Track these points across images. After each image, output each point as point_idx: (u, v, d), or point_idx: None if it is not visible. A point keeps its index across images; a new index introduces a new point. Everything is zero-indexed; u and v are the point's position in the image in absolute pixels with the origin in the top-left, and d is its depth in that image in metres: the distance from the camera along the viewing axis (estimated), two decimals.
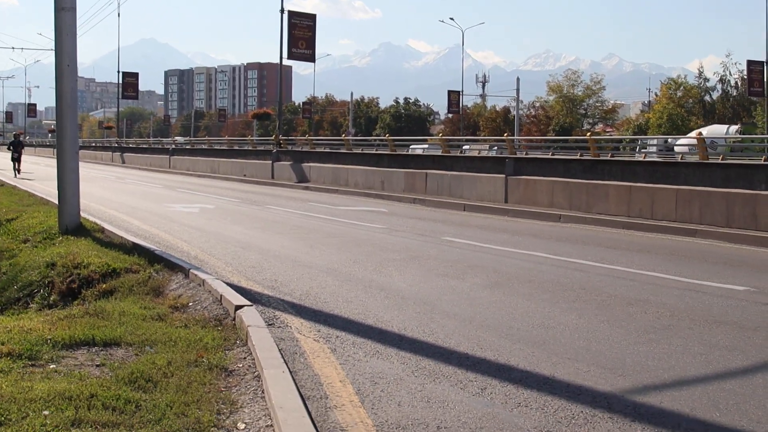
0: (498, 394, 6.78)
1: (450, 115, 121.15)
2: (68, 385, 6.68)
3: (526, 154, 31.55)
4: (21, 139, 50.92)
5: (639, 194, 21.87)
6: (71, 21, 17.44)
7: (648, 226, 20.43)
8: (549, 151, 36.27)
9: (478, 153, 39.68)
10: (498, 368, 7.56)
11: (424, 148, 50.60)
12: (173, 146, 65.04)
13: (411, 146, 47.12)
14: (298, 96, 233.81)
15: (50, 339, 8.35)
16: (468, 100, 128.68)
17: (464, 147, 43.84)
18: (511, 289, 11.57)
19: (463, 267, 13.44)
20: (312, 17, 49.70)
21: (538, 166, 26.13)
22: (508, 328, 9.14)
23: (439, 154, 32.71)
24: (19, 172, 45.17)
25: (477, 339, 8.61)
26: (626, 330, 9.12)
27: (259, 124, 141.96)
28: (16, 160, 46.37)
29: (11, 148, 48.18)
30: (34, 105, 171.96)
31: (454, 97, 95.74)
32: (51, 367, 7.49)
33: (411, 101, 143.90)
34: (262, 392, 6.76)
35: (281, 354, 7.64)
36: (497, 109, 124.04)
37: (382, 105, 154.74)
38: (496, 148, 44.09)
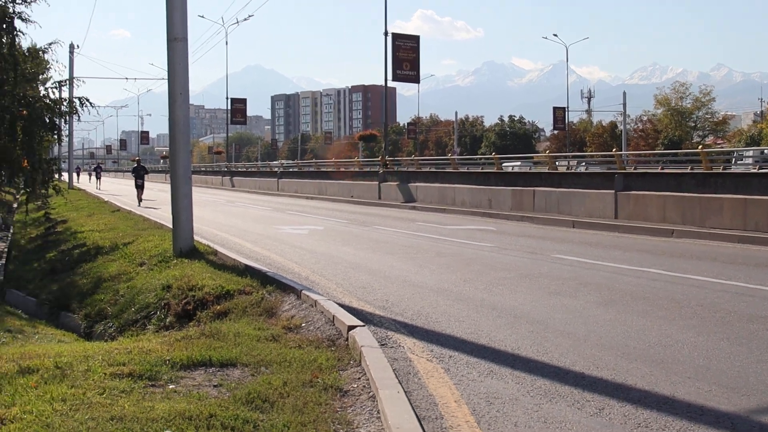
0: (617, 415, 6.62)
1: (555, 132, 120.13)
2: (188, 405, 6.77)
3: (635, 168, 31.05)
4: (143, 164, 48.38)
5: (755, 207, 21.26)
6: (183, 51, 17.83)
7: (765, 239, 19.84)
8: (658, 165, 35.62)
9: (566, 168, 39.20)
10: (615, 388, 7.39)
11: (513, 166, 50.33)
12: (281, 169, 65.90)
13: (503, 163, 46.74)
14: (403, 117, 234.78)
15: (169, 360, 8.48)
16: (573, 116, 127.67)
17: (511, 164, 43.37)
18: (626, 306, 11.34)
19: (575, 285, 13.23)
20: (415, 39, 49.97)
21: (648, 180, 25.64)
22: (624, 346, 8.94)
23: (546, 171, 32.42)
24: (141, 201, 42.78)
25: (593, 358, 8.44)
26: (748, 348, 8.83)
27: (365, 145, 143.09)
28: (140, 187, 44.23)
29: (134, 174, 45.59)
30: (147, 132, 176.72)
31: (559, 113, 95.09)
32: (170, 387, 7.60)
33: (515, 119, 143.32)
34: (378, 413, 6.74)
35: (395, 374, 7.61)
36: (603, 124, 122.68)
37: (487, 124, 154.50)
38: (584, 164, 43.65)
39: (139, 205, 40.52)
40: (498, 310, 11.11)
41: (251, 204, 42.05)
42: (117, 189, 67.25)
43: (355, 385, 7.57)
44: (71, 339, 14.45)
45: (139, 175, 44.75)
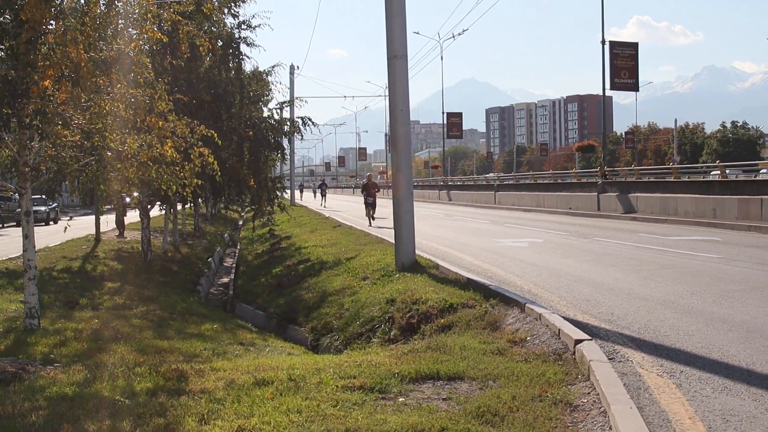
0: None
1: None
2: (419, 418, 6.90)
3: None
4: (374, 180, 43.69)
5: None
6: (403, 68, 18.17)
7: None
8: None
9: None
10: None
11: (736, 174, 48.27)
12: (497, 182, 65.87)
13: (712, 173, 44.85)
14: (619, 126, 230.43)
15: (397, 373, 8.66)
16: None
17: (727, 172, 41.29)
18: None
19: None
20: (634, 46, 48.93)
21: None
22: None
23: None
24: (372, 219, 38.61)
25: None
26: None
27: (581, 156, 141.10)
28: (371, 205, 39.18)
29: (364, 191, 40.17)
30: (364, 149, 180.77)
31: None
32: (400, 400, 7.76)
33: (738, 124, 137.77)
34: (610, 428, 6.66)
35: (626, 389, 7.48)
36: None
37: (708, 130, 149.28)
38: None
39: (371, 225, 36.80)
40: (729, 324, 10.73)
41: (468, 217, 42.24)
42: (340, 205, 69.04)
43: (585, 400, 7.50)
44: (300, 351, 14.93)
45: (370, 192, 39.34)
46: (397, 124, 18.13)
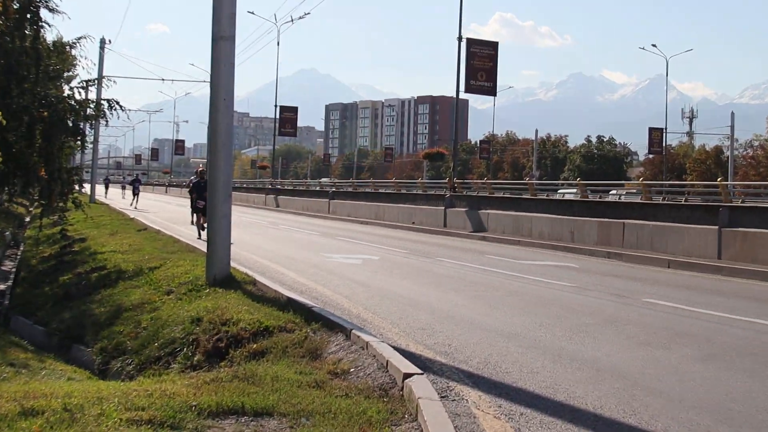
0: None
1: (651, 156, 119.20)
2: None
3: (743, 202, 30.62)
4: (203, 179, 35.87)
5: None
6: (229, 51, 17.94)
7: None
8: None
9: (662, 198, 38.77)
10: None
11: (565, 193, 49.89)
12: (333, 189, 66.10)
13: (559, 191, 46.14)
14: (475, 133, 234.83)
15: (195, 405, 8.46)
16: (672, 139, 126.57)
17: (566, 191, 42.97)
18: (729, 363, 11.10)
19: (669, 335, 13.01)
20: (493, 45, 49.88)
21: (758, 215, 25.20)
22: (727, 410, 8.74)
23: (639, 201, 32.11)
24: (203, 230, 30.13)
25: (689, 422, 8.26)
26: None
27: (430, 165, 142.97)
28: (203, 211, 31.07)
29: (194, 192, 35.15)
30: (182, 141, 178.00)
31: (655, 135, 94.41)
32: None
33: (605, 140, 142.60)
34: None
35: None
36: (707, 148, 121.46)
37: (572, 144, 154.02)
38: (685, 194, 42.93)
39: (200, 237, 31.21)
40: (579, 362, 10.95)
41: (297, 227, 42.20)
42: (150, 206, 67.79)
43: None
44: (83, 377, 14.53)
45: (201, 194, 31.76)
46: (218, 115, 17.85)
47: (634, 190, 48.99)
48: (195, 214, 36.03)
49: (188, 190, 40.98)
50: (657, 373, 10.37)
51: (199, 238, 31.20)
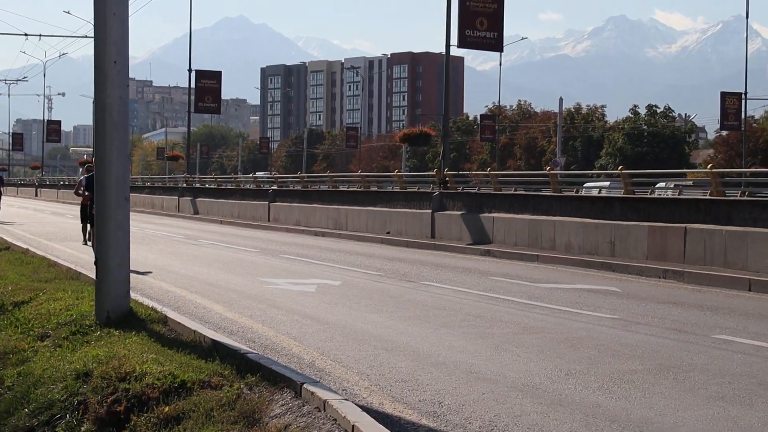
0: None
1: (724, 133, 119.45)
2: None
3: None
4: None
5: None
6: None
7: None
8: None
9: (740, 193, 38.98)
10: None
11: (593, 187, 50.03)
12: (274, 188, 65.92)
13: (585, 184, 46.25)
14: (474, 105, 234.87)
15: None
16: (755, 108, 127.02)
17: (598, 184, 43.16)
18: None
19: (750, 385, 13.13)
20: None
21: None
22: None
23: (707, 197, 32.16)
24: (90, 239, 33.84)
25: None
26: None
27: (412, 150, 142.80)
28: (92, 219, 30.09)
29: (88, 190, 33.23)
30: (57, 123, 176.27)
31: (731, 102, 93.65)
32: None
33: (659, 111, 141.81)
34: None
35: None
36: None
37: (611, 118, 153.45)
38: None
39: (86, 243, 34.84)
40: (621, 424, 11.06)
41: (225, 242, 42.18)
42: (15, 214, 67.16)
43: None
44: None
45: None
46: (106, 84, 17.78)
47: (690, 182, 49.12)
48: (87, 221, 35.08)
49: (78, 190, 37.99)
50: None
51: (85, 243, 32.65)
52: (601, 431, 10.75)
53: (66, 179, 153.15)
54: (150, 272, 26.18)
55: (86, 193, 33.73)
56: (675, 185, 51.45)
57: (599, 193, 44.17)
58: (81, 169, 37.80)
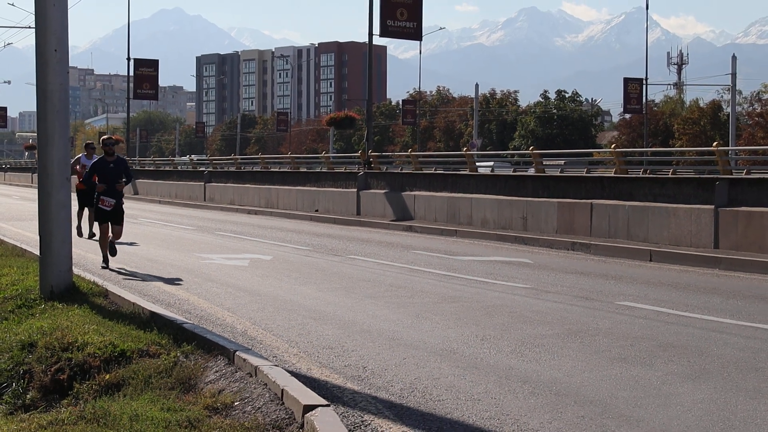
0: None
1: (627, 116, 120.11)
2: None
3: (747, 173, 31.00)
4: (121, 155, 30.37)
5: None
6: None
7: None
8: None
9: (642, 171, 39.21)
10: None
11: (491, 166, 50.32)
12: (209, 169, 65.72)
13: (477, 163, 46.17)
14: (397, 91, 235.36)
15: None
16: (655, 92, 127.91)
17: (486, 164, 43.42)
18: (727, 381, 11.33)
19: (651, 347, 13.24)
20: None
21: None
22: None
23: (611, 175, 32.34)
24: (113, 254, 24.64)
25: None
26: None
27: (338, 134, 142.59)
28: (111, 216, 24.09)
29: (89, 180, 26.90)
30: (3, 110, 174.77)
31: (633, 87, 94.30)
32: None
33: (567, 96, 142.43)
34: None
35: None
36: (701, 104, 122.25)
37: (523, 102, 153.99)
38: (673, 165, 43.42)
39: (107, 266, 23.72)
40: (532, 385, 11.11)
41: (163, 221, 41.97)
42: None
43: None
44: None
45: (114, 187, 24.43)
46: (48, 72, 17.69)
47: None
48: (95, 218, 25.72)
49: (81, 176, 30.99)
50: (634, 397, 10.55)
51: (106, 267, 23.89)
52: (514, 391, 10.79)
53: (11, 162, 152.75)
54: (90, 249, 25.99)
55: (93, 179, 24.78)
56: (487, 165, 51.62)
57: (492, 172, 44.20)
58: (85, 153, 29.14)
